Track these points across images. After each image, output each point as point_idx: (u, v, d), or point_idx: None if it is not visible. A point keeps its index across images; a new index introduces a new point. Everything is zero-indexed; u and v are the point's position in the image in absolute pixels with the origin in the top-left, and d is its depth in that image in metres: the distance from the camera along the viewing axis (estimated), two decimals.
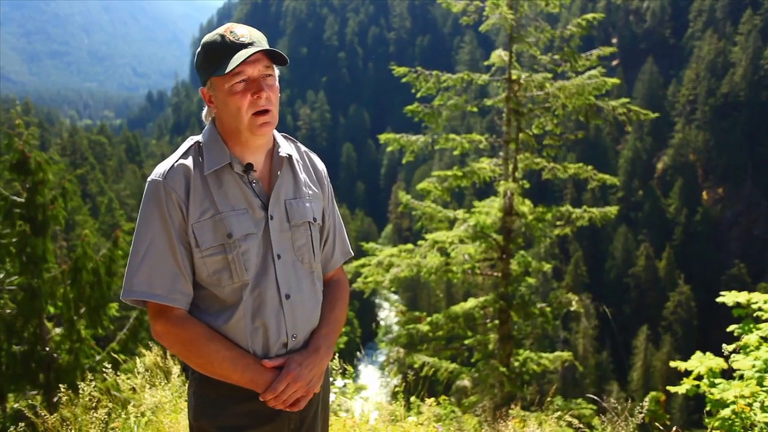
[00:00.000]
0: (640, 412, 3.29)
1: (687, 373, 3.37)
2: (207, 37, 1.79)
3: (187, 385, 1.97)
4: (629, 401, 3.56)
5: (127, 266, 1.79)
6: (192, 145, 1.85)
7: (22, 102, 63.10)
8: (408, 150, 9.82)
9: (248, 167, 1.82)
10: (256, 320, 1.79)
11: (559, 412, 4.06)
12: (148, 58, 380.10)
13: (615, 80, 9.46)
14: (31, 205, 7.43)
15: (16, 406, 7.22)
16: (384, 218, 69.11)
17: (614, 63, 64.18)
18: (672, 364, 3.52)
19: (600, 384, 36.15)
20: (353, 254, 2.17)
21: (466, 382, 9.53)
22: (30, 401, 6.73)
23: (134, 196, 48.18)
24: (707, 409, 3.09)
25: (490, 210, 9.45)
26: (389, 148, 10.07)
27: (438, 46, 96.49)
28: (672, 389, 3.36)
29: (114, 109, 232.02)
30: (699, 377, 3.31)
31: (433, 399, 4.01)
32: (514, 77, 9.40)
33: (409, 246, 9.71)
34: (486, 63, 9.87)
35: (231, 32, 1.76)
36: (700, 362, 3.35)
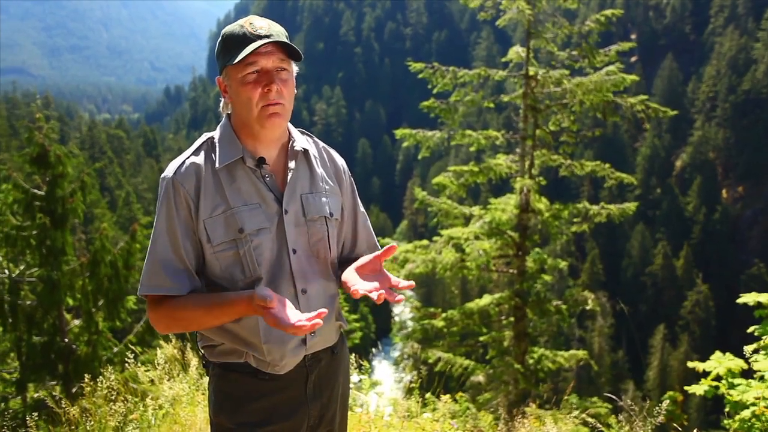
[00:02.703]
0: (659, 413, 3.25)
1: (705, 374, 3.33)
2: (227, 27, 1.80)
3: (207, 380, 1.97)
4: (646, 401, 3.53)
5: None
6: (205, 141, 1.84)
7: (43, 96, 63.87)
8: (424, 146, 9.80)
9: (260, 161, 1.81)
10: None
11: (575, 411, 4.04)
12: (166, 53, 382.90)
13: (633, 77, 9.36)
14: (50, 198, 7.52)
15: (36, 396, 7.33)
16: (399, 214, 69.10)
17: (633, 59, 63.52)
18: (690, 364, 3.48)
19: (615, 383, 35.89)
20: (380, 248, 2.15)
21: (480, 378, 9.52)
22: (50, 392, 6.83)
23: (151, 189, 48.60)
24: (726, 410, 3.06)
25: (506, 207, 9.41)
26: (405, 144, 10.07)
27: (454, 41, 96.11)
28: (690, 390, 3.33)
29: (132, 104, 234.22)
30: (718, 378, 3.27)
31: (448, 395, 4.01)
32: (531, 73, 9.34)
33: (425, 242, 9.70)
34: (503, 59, 9.82)
35: (250, 23, 1.76)
36: (719, 363, 3.31)
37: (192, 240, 1.76)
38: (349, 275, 1.76)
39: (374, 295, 1.62)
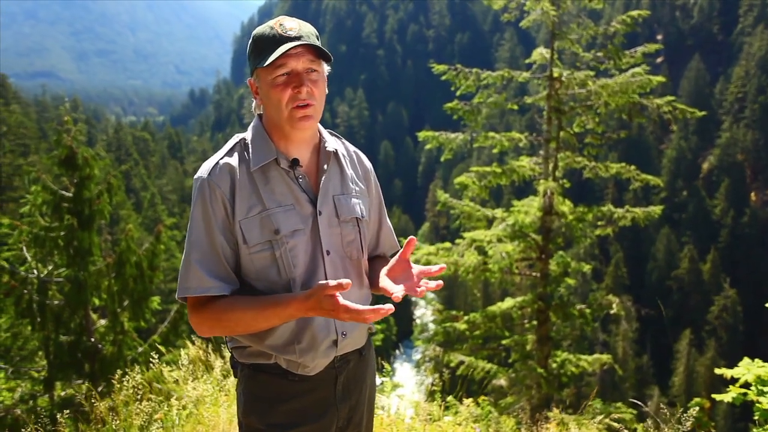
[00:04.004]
0: (686, 420, 3.19)
1: (733, 381, 3.27)
2: (258, 29, 1.80)
3: (230, 381, 1.98)
4: (675, 407, 3.47)
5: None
6: (237, 143, 1.84)
7: (71, 99, 65.08)
8: (446, 148, 9.77)
9: (294, 162, 1.81)
10: (305, 317, 1.77)
11: (599, 416, 3.99)
12: (191, 56, 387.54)
13: (660, 78, 9.25)
14: (78, 200, 7.64)
15: (63, 394, 7.45)
16: (421, 216, 69.01)
17: (659, 60, 62.67)
18: (717, 371, 3.41)
19: (640, 388, 35.39)
20: (400, 249, 2.16)
21: (502, 381, 9.46)
22: (76, 390, 6.94)
23: (176, 191, 49.16)
24: (755, 418, 3.00)
25: (529, 209, 9.34)
26: (428, 146, 10.04)
27: (477, 43, 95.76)
28: (718, 397, 3.26)
29: (157, 106, 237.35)
30: (746, 385, 3.20)
31: (471, 399, 3.98)
32: (555, 75, 9.27)
33: (447, 244, 9.66)
34: (527, 60, 9.75)
35: (280, 25, 1.76)
36: (748, 369, 3.24)
37: (229, 240, 1.76)
38: (385, 282, 1.77)
39: (416, 291, 1.66)
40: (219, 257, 1.75)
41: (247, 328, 1.72)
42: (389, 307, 1.55)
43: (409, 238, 1.75)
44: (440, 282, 1.68)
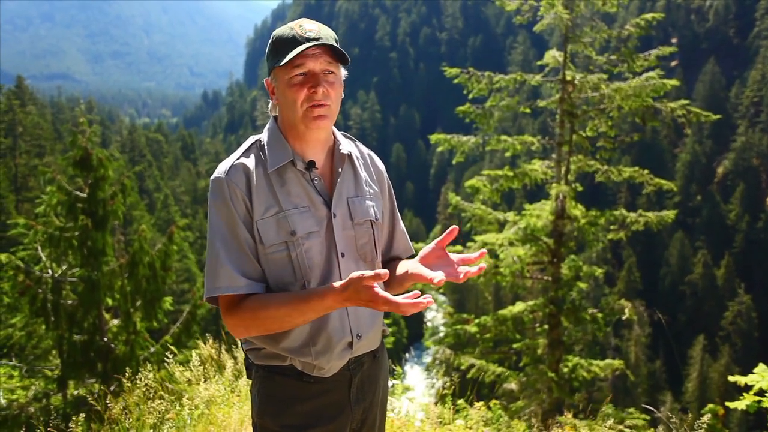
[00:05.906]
0: (701, 427, 3.16)
1: (747, 388, 3.23)
2: (277, 30, 1.81)
3: (242, 381, 1.98)
4: (687, 413, 3.43)
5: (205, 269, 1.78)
6: (253, 144, 1.85)
7: (86, 101, 65.45)
8: (458, 151, 9.76)
9: (310, 164, 1.82)
10: (320, 319, 1.77)
11: (611, 421, 3.96)
12: (204, 58, 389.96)
13: (674, 81, 9.18)
14: (92, 200, 7.72)
15: (76, 393, 7.51)
16: (433, 219, 68.91)
17: (673, 64, 62.23)
18: (731, 378, 3.37)
19: (652, 394, 35.09)
20: (414, 252, 2.15)
21: (512, 385, 9.42)
22: (89, 389, 6.98)
23: (189, 192, 49.44)
24: None
25: (541, 213, 9.31)
26: (440, 149, 10.04)
27: (490, 46, 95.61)
28: (732, 404, 3.23)
29: (171, 108, 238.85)
30: (761, 392, 3.17)
31: (482, 403, 3.97)
32: (568, 78, 9.23)
33: (458, 248, 9.64)
34: (539, 63, 9.73)
35: (300, 26, 1.77)
36: (763, 376, 3.21)
37: (253, 238, 1.76)
38: (419, 268, 1.78)
39: (458, 277, 1.69)
40: (247, 254, 1.75)
41: (284, 324, 1.71)
42: (429, 300, 1.54)
43: (452, 227, 1.75)
44: (483, 265, 1.68)
